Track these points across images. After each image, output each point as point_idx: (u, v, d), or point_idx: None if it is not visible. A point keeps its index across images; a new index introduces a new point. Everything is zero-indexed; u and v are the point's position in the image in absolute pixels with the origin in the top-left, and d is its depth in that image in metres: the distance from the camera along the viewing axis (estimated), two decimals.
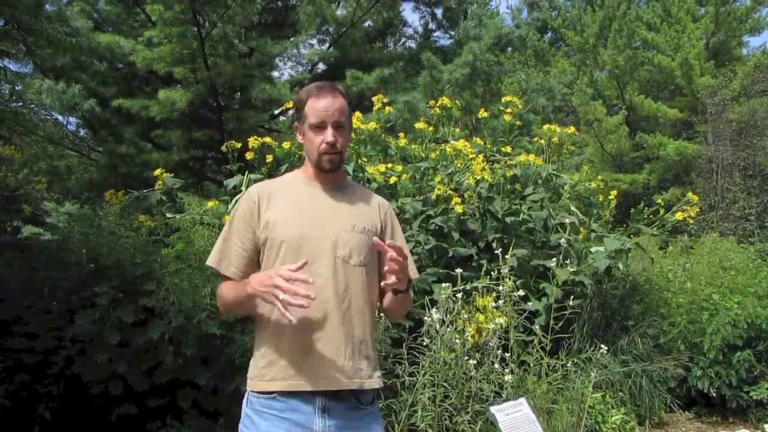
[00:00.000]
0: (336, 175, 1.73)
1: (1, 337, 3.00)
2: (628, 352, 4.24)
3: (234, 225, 1.70)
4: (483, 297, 3.50)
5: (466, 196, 4.30)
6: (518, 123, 5.64)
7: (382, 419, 1.71)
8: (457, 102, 6.45)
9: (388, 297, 1.73)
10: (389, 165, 4.56)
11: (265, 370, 1.61)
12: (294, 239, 1.62)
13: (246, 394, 1.66)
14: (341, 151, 1.69)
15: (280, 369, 1.59)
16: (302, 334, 1.59)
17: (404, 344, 3.33)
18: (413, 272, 1.82)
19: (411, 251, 3.94)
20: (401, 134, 5.10)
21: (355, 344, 1.63)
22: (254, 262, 1.69)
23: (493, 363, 3.32)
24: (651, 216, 4.81)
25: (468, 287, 3.60)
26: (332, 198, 1.72)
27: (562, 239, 3.95)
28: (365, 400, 1.66)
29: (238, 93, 9.51)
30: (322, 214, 1.68)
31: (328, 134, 1.65)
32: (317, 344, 1.59)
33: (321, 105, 1.66)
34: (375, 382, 1.68)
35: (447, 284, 3.38)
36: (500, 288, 3.56)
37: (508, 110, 5.16)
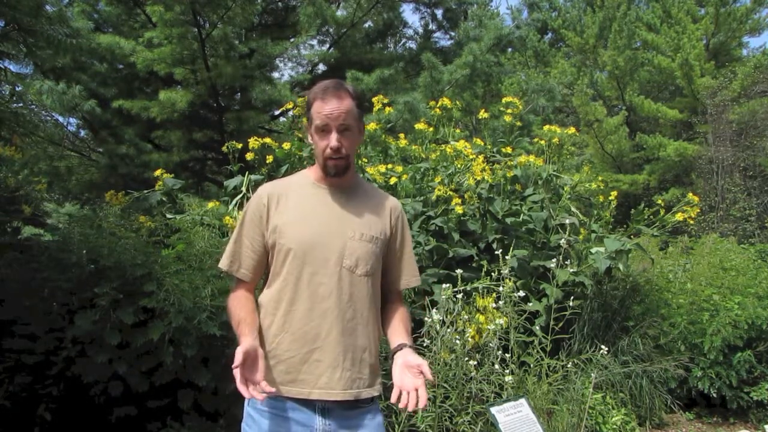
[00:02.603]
0: (345, 178, 1.70)
1: (1, 337, 2.99)
2: (628, 353, 4.24)
3: (244, 227, 1.70)
4: (483, 298, 3.49)
5: (466, 196, 4.30)
6: (518, 124, 5.63)
7: (382, 415, 1.71)
8: (458, 103, 6.45)
9: (391, 331, 1.73)
10: (389, 166, 4.55)
11: (266, 372, 1.60)
12: (301, 247, 1.62)
13: None
14: (347, 156, 1.66)
15: (279, 373, 1.60)
16: (301, 343, 1.59)
17: None
18: (416, 280, 1.82)
19: None
20: (401, 135, 5.10)
21: (357, 354, 1.62)
22: (264, 264, 1.69)
23: (493, 364, 3.32)
24: (651, 217, 4.80)
25: (468, 288, 3.60)
26: (341, 203, 1.69)
27: (563, 240, 3.95)
28: (363, 400, 1.66)
29: (239, 94, 9.53)
30: (329, 221, 1.66)
31: (332, 139, 1.62)
32: (315, 354, 1.59)
33: (325, 109, 1.61)
34: (374, 390, 1.67)
35: (447, 285, 3.38)
36: (500, 289, 3.55)
37: (509, 111, 5.16)
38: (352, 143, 1.67)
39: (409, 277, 1.79)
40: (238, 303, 1.67)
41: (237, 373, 1.43)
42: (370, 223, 1.70)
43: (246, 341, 1.52)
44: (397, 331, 1.69)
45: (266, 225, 1.66)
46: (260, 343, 1.67)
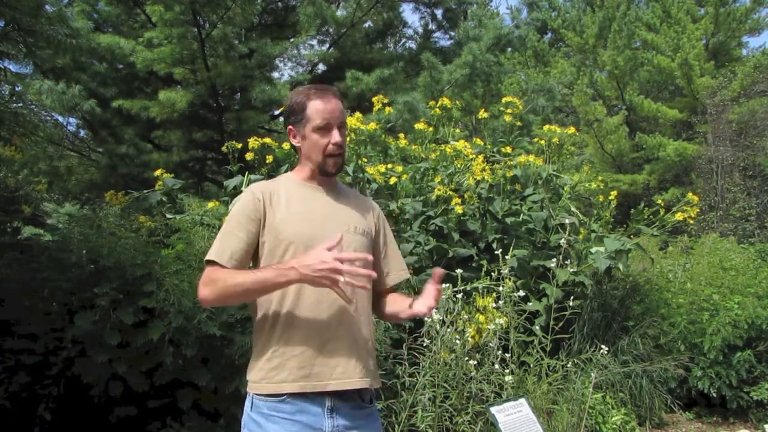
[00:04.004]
0: (334, 178, 1.76)
1: (1, 337, 3.00)
2: (628, 353, 4.24)
3: (236, 220, 1.65)
4: (483, 297, 3.49)
5: (466, 196, 4.30)
6: (518, 123, 5.64)
7: (380, 418, 1.73)
8: (457, 102, 6.45)
9: (394, 303, 1.76)
10: (389, 165, 4.55)
11: (274, 372, 1.58)
12: (302, 241, 1.62)
13: (249, 398, 1.62)
14: (344, 153, 1.72)
15: (291, 370, 1.57)
16: (313, 334, 1.59)
17: (404, 345, 3.33)
18: (405, 273, 1.86)
19: (411, 252, 3.97)
20: (401, 135, 5.10)
21: (363, 343, 1.65)
22: (250, 259, 1.66)
23: (493, 364, 3.32)
24: (651, 216, 4.80)
25: (468, 288, 3.60)
26: (332, 199, 1.73)
27: (563, 240, 3.95)
28: (367, 398, 1.67)
29: (238, 94, 9.53)
30: (325, 215, 1.68)
31: (335, 135, 1.67)
32: (329, 344, 1.59)
33: (327, 107, 1.67)
34: (378, 382, 1.70)
35: (447, 285, 3.38)
36: (500, 288, 3.55)
37: (509, 111, 5.15)
38: (345, 142, 1.74)
39: (398, 272, 1.84)
40: (232, 270, 1.60)
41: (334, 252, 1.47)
42: (359, 218, 1.74)
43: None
44: (401, 298, 1.76)
45: (263, 220, 1.64)
46: (260, 344, 1.63)
